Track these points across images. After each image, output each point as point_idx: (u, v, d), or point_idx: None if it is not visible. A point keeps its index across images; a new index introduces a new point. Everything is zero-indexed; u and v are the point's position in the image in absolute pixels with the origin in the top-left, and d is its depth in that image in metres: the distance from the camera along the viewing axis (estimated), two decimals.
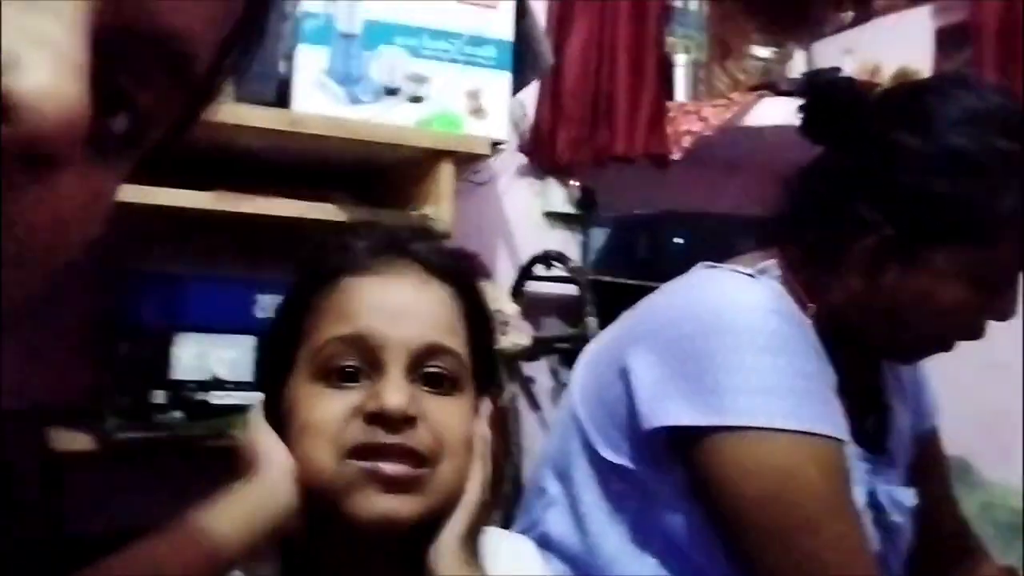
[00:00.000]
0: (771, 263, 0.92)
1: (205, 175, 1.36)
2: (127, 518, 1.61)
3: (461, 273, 0.68)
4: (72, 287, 1.55)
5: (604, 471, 0.89)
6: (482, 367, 0.67)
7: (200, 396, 1.39)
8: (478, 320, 0.67)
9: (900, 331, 0.90)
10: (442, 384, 0.62)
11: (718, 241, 2.13)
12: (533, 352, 1.93)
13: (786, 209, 0.95)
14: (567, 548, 0.90)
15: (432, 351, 0.61)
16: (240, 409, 1.42)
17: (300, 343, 0.63)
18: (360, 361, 0.60)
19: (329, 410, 0.59)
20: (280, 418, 0.63)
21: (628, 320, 0.95)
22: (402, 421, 0.58)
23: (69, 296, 1.55)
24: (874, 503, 0.91)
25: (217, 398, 1.40)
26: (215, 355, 1.40)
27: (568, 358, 2.17)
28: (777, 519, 0.78)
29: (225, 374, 1.40)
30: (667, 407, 0.82)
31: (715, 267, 0.92)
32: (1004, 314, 0.89)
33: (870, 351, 0.95)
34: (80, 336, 1.57)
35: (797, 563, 0.78)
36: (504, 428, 1.87)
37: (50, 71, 0.25)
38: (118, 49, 0.28)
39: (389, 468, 0.58)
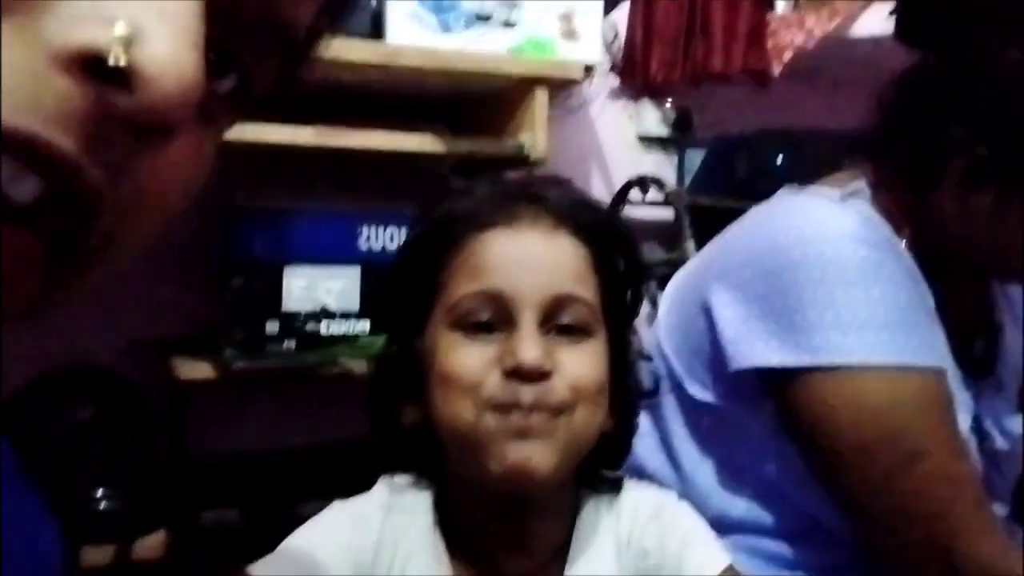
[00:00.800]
0: (860, 184, 0.86)
1: (306, 111, 1.39)
2: (245, 442, 1.70)
3: (591, 218, 0.67)
4: (188, 226, 1.62)
5: (692, 407, 0.87)
6: (615, 310, 0.67)
7: (310, 326, 1.44)
8: (610, 264, 0.67)
9: (997, 257, 0.83)
10: (573, 332, 0.63)
11: (821, 160, 2.07)
12: None
13: (877, 123, 0.88)
14: (662, 481, 0.90)
15: (562, 302, 0.62)
16: (348, 339, 1.48)
17: (435, 294, 0.64)
18: (494, 315, 0.61)
19: (468, 362, 0.61)
20: (416, 363, 0.65)
21: (710, 252, 0.91)
22: (538, 375, 0.60)
23: (186, 235, 1.62)
24: (979, 429, 0.88)
25: (326, 328, 1.45)
26: (323, 286, 1.45)
27: (666, 284, 2.16)
28: (878, 457, 0.76)
29: (333, 304, 1.45)
30: (754, 347, 0.79)
31: (800, 192, 0.87)
32: None
33: (971, 272, 0.90)
34: (197, 272, 1.64)
35: (900, 500, 0.76)
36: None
37: (171, 43, 0.25)
38: (227, 16, 0.29)
39: (525, 421, 0.60)
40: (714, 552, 0.67)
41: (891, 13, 0.89)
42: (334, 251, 1.45)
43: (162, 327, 1.61)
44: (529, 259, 0.63)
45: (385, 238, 1.48)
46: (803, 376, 0.77)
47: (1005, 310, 0.99)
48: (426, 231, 0.67)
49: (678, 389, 0.88)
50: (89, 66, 0.25)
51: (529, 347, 0.60)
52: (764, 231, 0.83)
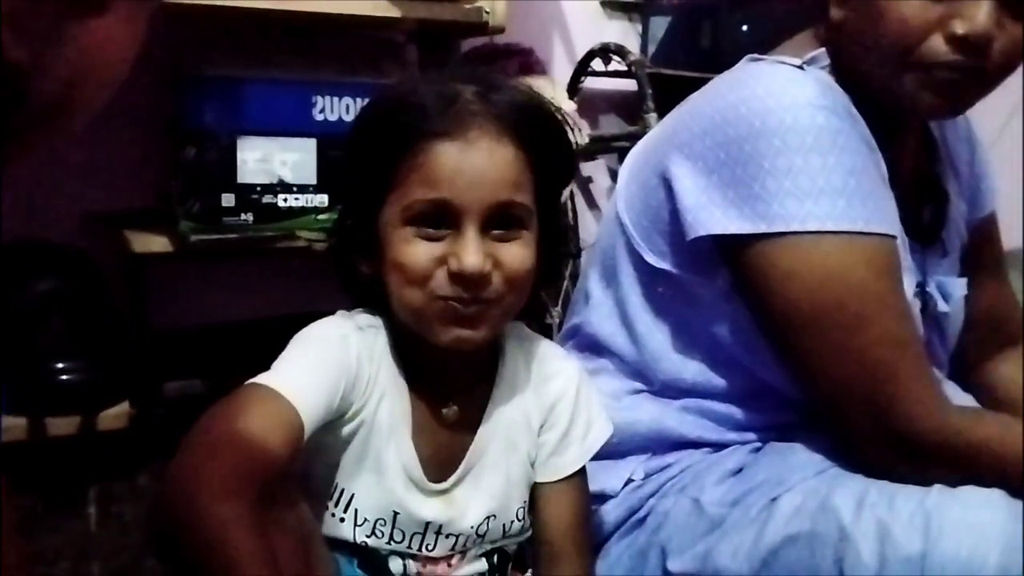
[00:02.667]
0: (820, 52, 0.88)
1: None
2: (205, 314, 1.71)
3: (533, 123, 0.75)
4: (140, 96, 1.56)
5: (649, 275, 0.90)
6: (547, 200, 0.78)
7: (267, 199, 1.42)
8: (546, 163, 0.76)
9: (872, 64, 0.84)
10: (510, 228, 0.74)
11: (788, 28, 2.03)
12: (591, 151, 1.91)
13: None
14: (615, 347, 0.94)
15: (503, 206, 0.73)
16: (305, 211, 1.46)
17: (389, 186, 0.74)
18: (442, 218, 0.72)
19: (419, 259, 0.72)
20: (372, 232, 0.76)
21: (670, 122, 0.92)
22: (479, 279, 0.72)
23: (138, 105, 1.57)
24: (922, 293, 0.91)
25: (283, 201, 1.44)
26: (278, 158, 1.42)
27: (626, 156, 2.15)
28: (827, 320, 0.79)
29: (289, 177, 1.43)
30: (712, 215, 0.81)
31: (760, 60, 0.87)
32: (974, 22, 0.78)
33: (913, 129, 0.92)
34: (149, 143, 1.60)
35: (846, 362, 0.79)
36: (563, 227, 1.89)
37: None
38: None
39: (465, 310, 0.73)
40: (603, 426, 0.85)
41: None
42: (289, 122, 1.42)
43: (116, 200, 1.58)
44: (475, 171, 0.72)
45: (341, 109, 1.44)
46: (759, 242, 0.80)
47: (951, 178, 1.01)
48: (380, 128, 0.75)
49: (635, 257, 0.90)
50: None
51: (471, 254, 0.71)
52: (725, 101, 0.84)
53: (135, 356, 1.48)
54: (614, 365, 0.94)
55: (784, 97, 0.80)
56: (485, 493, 0.81)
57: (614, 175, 2.20)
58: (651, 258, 0.88)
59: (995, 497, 0.73)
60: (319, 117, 1.43)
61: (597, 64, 2.00)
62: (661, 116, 1.86)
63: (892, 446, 0.78)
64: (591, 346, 0.96)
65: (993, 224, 1.08)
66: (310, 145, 1.43)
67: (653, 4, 2.12)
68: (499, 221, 0.73)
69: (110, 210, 1.55)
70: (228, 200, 1.39)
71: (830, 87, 0.83)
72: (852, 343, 0.79)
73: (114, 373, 1.43)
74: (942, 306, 0.94)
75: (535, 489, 0.83)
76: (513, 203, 0.73)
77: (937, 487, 0.75)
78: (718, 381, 0.89)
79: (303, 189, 1.44)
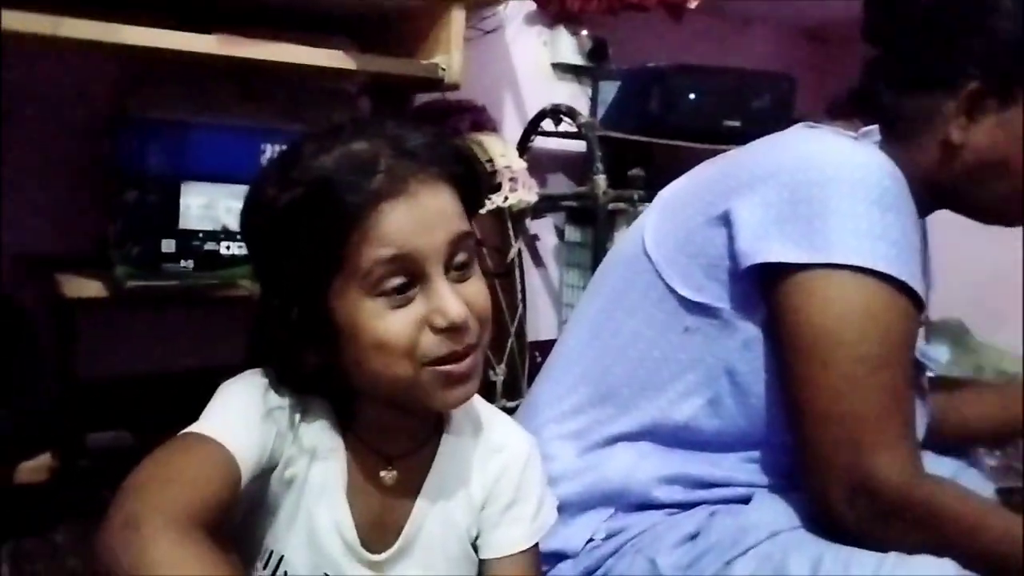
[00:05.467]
0: (872, 129, 0.93)
1: (208, 18, 1.31)
2: (137, 363, 1.65)
3: (457, 160, 0.75)
4: (77, 133, 1.52)
5: (676, 309, 0.91)
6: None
7: (209, 246, 1.39)
8: (471, 193, 0.76)
9: (996, 186, 0.91)
10: (464, 266, 0.72)
11: (734, 97, 2.08)
12: (539, 209, 1.92)
13: (870, 79, 0.96)
14: (613, 376, 0.94)
15: (456, 243, 0.71)
16: (248, 260, 1.43)
17: (336, 262, 0.69)
18: (406, 275, 0.69)
19: (398, 328, 0.69)
20: (318, 318, 0.71)
21: (722, 167, 0.95)
22: (464, 327, 0.70)
23: (75, 142, 1.53)
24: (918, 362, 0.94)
25: (226, 248, 1.40)
26: (223, 205, 1.39)
27: (574, 216, 2.16)
28: (847, 350, 0.81)
29: (233, 224, 1.40)
30: (770, 246, 0.83)
31: (818, 127, 0.93)
32: None
33: (964, 213, 0.97)
34: (87, 183, 1.55)
35: (848, 393, 0.80)
36: (511, 285, 1.88)
37: None
38: None
39: (459, 369, 0.71)
40: (552, 507, 0.83)
41: None
42: (235, 169, 1.39)
43: (48, 242, 1.52)
44: (429, 219, 0.70)
45: None
46: (807, 271, 0.83)
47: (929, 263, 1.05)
48: (310, 217, 0.69)
49: (660, 292, 0.92)
50: None
51: (453, 304, 0.69)
52: (795, 151, 0.89)
53: (59, 405, 1.41)
54: (597, 401, 0.93)
55: (856, 155, 0.86)
56: (421, 569, 0.78)
57: (561, 234, 2.20)
58: (686, 291, 0.90)
59: (948, 569, 0.73)
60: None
61: (547, 124, 2.02)
62: (610, 177, 1.89)
63: (858, 494, 0.79)
64: (579, 377, 0.95)
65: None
66: None
67: (603, 68, 2.16)
68: (455, 261, 0.72)
69: (42, 252, 1.50)
70: (168, 246, 1.36)
71: (889, 159, 0.88)
72: (861, 379, 0.81)
73: (36, 422, 1.36)
74: (928, 373, 0.98)
75: (482, 567, 0.80)
76: (464, 235, 0.72)
77: (892, 555, 0.75)
78: (706, 428, 0.90)
79: None
